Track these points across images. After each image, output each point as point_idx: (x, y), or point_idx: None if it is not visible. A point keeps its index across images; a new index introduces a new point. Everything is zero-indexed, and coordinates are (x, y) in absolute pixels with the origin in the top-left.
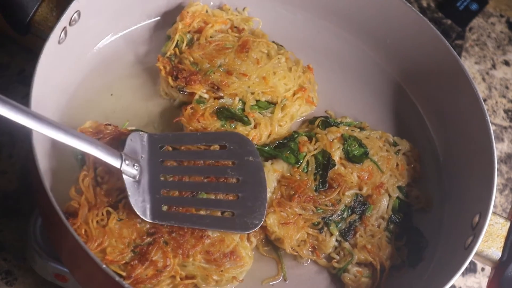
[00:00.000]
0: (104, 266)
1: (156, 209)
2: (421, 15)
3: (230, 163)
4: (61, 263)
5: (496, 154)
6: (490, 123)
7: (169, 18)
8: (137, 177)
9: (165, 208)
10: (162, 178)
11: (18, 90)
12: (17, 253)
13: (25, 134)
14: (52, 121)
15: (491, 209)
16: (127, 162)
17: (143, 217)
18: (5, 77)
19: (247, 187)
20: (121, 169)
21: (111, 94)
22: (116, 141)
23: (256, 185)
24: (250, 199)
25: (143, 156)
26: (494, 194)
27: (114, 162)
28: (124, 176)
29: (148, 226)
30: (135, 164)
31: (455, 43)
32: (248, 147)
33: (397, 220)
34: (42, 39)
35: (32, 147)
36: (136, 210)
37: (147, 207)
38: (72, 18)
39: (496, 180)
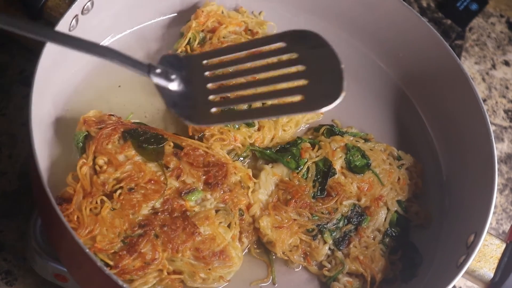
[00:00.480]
0: (87, 250)
1: (204, 111)
2: (436, 32)
3: (292, 56)
4: (61, 263)
5: (497, 176)
6: (494, 144)
7: (184, 16)
8: (176, 84)
9: (214, 110)
10: (209, 86)
11: (19, 90)
12: (17, 253)
13: (25, 133)
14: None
15: (487, 229)
16: (158, 71)
17: (189, 122)
18: (5, 77)
19: (315, 71)
20: (150, 76)
21: (119, 86)
22: (118, 132)
23: (328, 65)
24: (321, 79)
25: (182, 71)
26: (491, 214)
27: (141, 70)
28: (159, 84)
29: (140, 218)
30: (171, 73)
31: (455, 43)
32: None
33: (394, 234)
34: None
35: (31, 139)
36: (179, 116)
37: (192, 113)
38: (85, 7)
39: (495, 199)
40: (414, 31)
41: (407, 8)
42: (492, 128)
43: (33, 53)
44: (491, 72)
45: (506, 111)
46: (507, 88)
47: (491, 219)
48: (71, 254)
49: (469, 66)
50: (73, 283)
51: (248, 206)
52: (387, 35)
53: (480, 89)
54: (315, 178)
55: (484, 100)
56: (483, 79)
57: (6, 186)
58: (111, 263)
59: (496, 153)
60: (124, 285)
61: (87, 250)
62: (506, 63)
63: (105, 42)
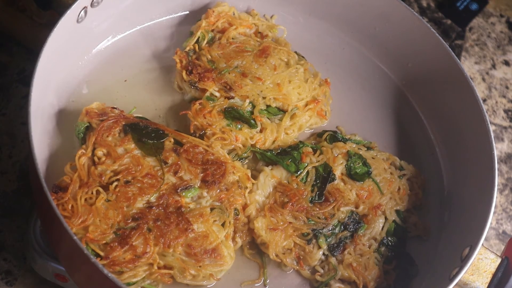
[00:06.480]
0: (75, 237)
1: None
2: (444, 42)
3: None
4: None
5: (496, 190)
6: (496, 159)
7: (194, 16)
8: None
9: None
10: None
11: (18, 90)
12: (17, 253)
13: (25, 131)
14: None
15: (481, 242)
16: None
17: None
18: (5, 77)
19: None
20: None
21: (125, 81)
22: (119, 125)
23: None
24: None
25: None
26: (487, 228)
27: None
28: None
29: (134, 211)
30: None
31: (455, 43)
32: None
33: (390, 244)
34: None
35: (29, 127)
36: None
37: None
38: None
39: (492, 214)
40: (436, 54)
41: (431, 31)
42: (492, 128)
43: (33, 53)
44: (491, 72)
45: (506, 111)
46: (507, 88)
47: (487, 230)
48: (63, 241)
49: (469, 66)
50: (73, 283)
51: (244, 206)
52: (409, 55)
53: (480, 89)
54: (314, 183)
55: (484, 100)
56: (483, 79)
57: (6, 186)
58: (102, 253)
59: (496, 153)
60: (109, 275)
61: (75, 237)
62: (506, 63)
63: (112, 38)
